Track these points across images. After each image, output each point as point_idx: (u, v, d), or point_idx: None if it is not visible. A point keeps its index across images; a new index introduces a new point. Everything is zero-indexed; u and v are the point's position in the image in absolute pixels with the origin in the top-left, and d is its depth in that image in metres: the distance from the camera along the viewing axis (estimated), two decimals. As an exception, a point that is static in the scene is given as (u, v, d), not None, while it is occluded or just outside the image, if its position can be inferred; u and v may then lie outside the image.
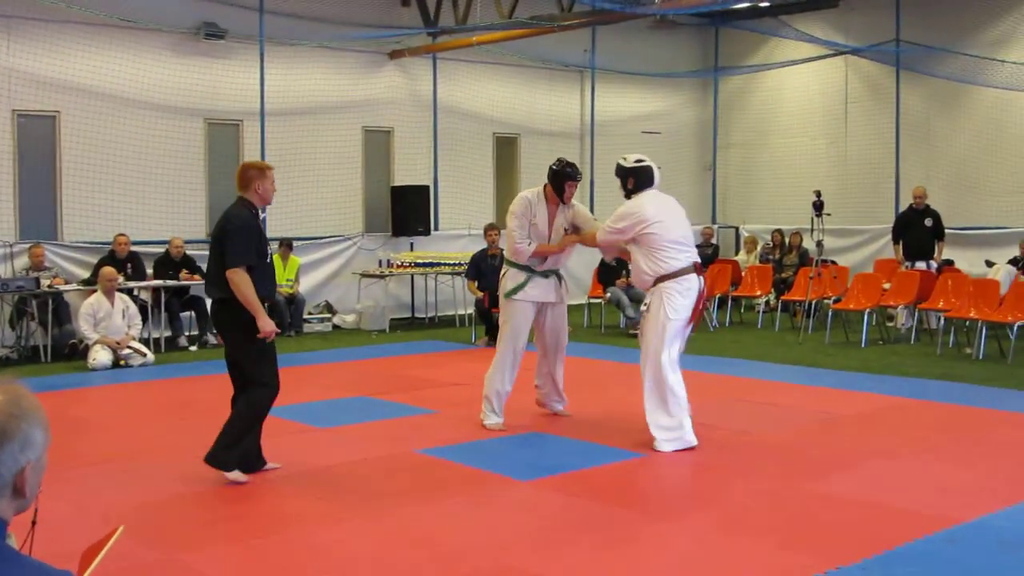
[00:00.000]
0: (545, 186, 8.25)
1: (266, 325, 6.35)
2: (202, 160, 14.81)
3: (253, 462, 6.66)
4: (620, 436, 7.65)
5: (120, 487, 6.50)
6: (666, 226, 7.41)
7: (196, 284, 13.23)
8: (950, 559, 4.94)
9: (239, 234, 6.38)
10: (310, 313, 14.88)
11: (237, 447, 6.48)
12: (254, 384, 6.50)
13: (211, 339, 13.17)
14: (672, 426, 7.23)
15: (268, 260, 6.62)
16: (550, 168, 8.22)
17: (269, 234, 14.53)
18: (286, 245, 14.33)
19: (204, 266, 13.33)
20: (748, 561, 4.94)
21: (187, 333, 13.36)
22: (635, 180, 7.63)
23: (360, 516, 5.84)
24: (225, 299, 6.42)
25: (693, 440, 7.21)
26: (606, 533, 5.42)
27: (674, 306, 7.26)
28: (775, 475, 6.53)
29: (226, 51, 14.69)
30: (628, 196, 7.66)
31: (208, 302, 7.13)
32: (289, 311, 14.23)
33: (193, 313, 13.48)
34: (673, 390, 7.22)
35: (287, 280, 14.30)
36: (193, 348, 12.99)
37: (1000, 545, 5.14)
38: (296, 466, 6.87)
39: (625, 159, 7.78)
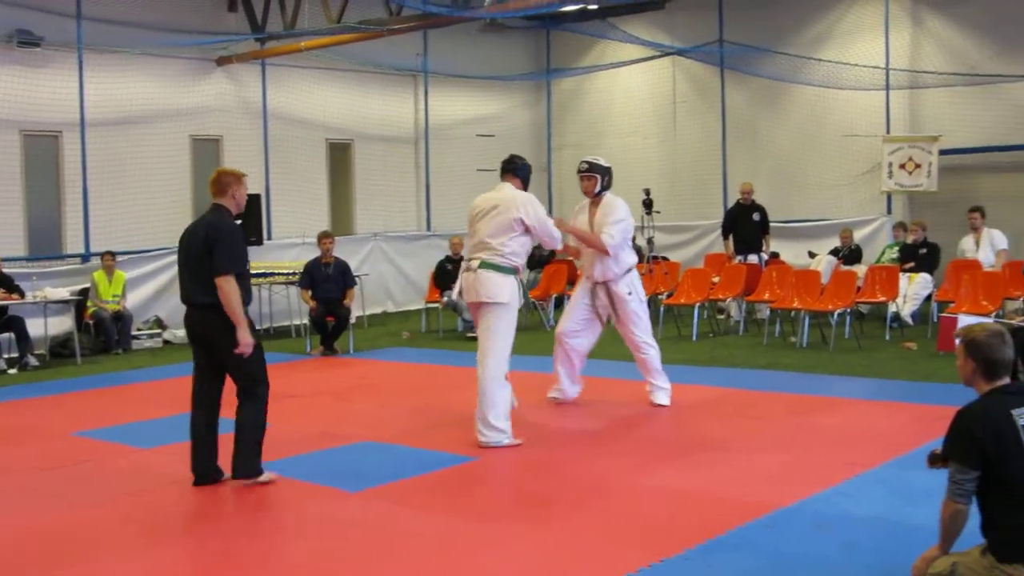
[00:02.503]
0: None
1: (245, 337, 6.41)
2: (19, 173, 14.21)
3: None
4: (452, 441, 7.64)
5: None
6: None
7: (15, 304, 12.69)
8: (768, 544, 5.08)
9: (231, 241, 6.46)
10: (139, 329, 14.40)
11: (259, 450, 6.58)
12: (256, 383, 6.61)
13: (32, 360, 12.61)
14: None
15: (248, 269, 6.74)
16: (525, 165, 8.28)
17: (91, 249, 14.22)
18: (111, 258, 13.84)
19: (23, 285, 12.95)
20: (574, 558, 4.99)
21: (6, 355, 12.75)
22: (609, 179, 8.60)
23: (188, 537, 5.69)
24: (213, 304, 6.41)
25: None
26: (431, 541, 5.39)
27: (640, 288, 8.71)
28: (600, 470, 6.62)
29: (43, 59, 14.13)
30: (599, 193, 8.59)
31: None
32: (116, 328, 13.75)
33: (12, 334, 12.87)
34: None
35: (113, 296, 13.82)
36: (13, 371, 12.40)
37: (815, 528, 5.31)
38: (117, 490, 6.63)
39: (597, 159, 8.71)
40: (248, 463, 6.55)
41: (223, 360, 6.58)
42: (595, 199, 8.73)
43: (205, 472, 6.66)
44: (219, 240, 6.42)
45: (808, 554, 4.96)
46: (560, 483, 6.42)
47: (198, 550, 5.44)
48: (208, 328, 6.56)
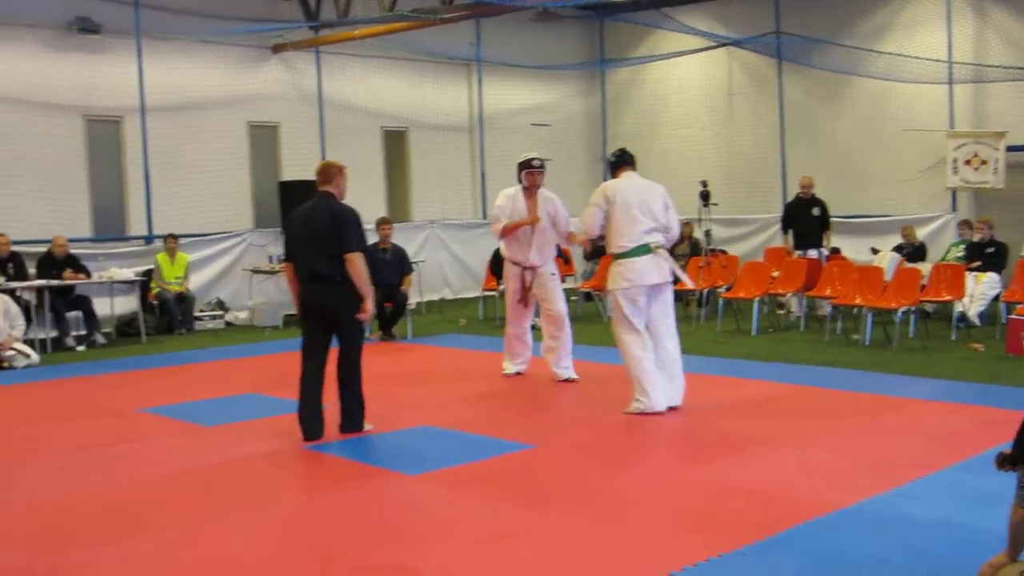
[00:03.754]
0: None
1: (371, 306, 7.36)
2: (83, 157, 14.44)
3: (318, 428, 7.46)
4: (510, 428, 7.68)
5: (4, 490, 6.34)
6: None
7: (82, 283, 12.94)
8: (827, 544, 5.03)
9: (354, 222, 7.35)
10: (201, 311, 14.62)
11: (363, 407, 7.55)
12: (358, 351, 7.47)
13: (99, 339, 12.88)
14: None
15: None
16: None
17: (154, 231, 14.44)
18: (173, 241, 14.04)
19: (89, 265, 13.18)
20: (627, 551, 4.98)
21: (75, 333, 13.01)
22: None
23: (242, 513, 5.76)
24: (337, 279, 7.23)
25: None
26: (487, 527, 5.42)
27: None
28: (657, 464, 6.62)
29: (102, 46, 14.35)
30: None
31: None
32: (179, 308, 13.96)
33: (81, 313, 13.14)
34: None
35: (176, 278, 14.04)
36: (81, 348, 12.68)
37: (877, 528, 5.24)
38: (179, 465, 6.76)
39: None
40: (357, 420, 7.50)
41: (338, 329, 7.38)
42: (532, 192, 9.60)
43: (316, 434, 7.38)
44: (347, 222, 7.28)
45: (868, 556, 4.88)
46: (616, 474, 6.41)
47: (254, 527, 5.50)
48: (330, 299, 7.30)
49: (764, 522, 5.32)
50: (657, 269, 8.01)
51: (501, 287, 14.16)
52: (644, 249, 8.00)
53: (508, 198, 9.63)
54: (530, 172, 9.53)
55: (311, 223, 7.37)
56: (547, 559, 4.90)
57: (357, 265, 7.23)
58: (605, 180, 19.65)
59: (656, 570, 4.64)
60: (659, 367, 8.02)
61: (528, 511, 5.71)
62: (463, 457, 6.93)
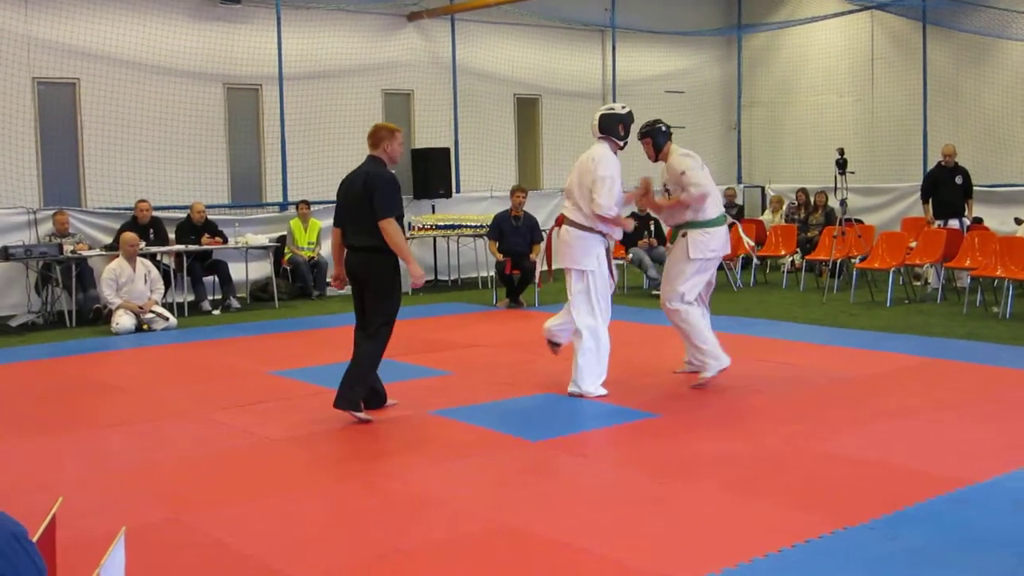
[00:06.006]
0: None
1: (417, 270, 6.98)
2: (222, 125, 14.83)
3: (378, 399, 7.26)
4: (636, 397, 7.64)
5: (136, 448, 6.59)
6: None
7: (219, 248, 13.33)
8: (959, 520, 4.87)
9: (390, 188, 6.91)
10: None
11: (364, 387, 7.05)
12: (387, 324, 7.06)
13: (234, 303, 13.25)
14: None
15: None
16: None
17: (288, 198, 14.76)
18: (306, 207, 14.34)
19: (226, 231, 13.57)
20: (752, 521, 4.91)
21: (210, 297, 13.43)
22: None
23: (368, 475, 5.87)
24: (372, 247, 6.87)
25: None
26: (610, 494, 5.41)
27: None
28: (785, 435, 6.48)
29: (243, 15, 14.68)
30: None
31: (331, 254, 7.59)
32: (312, 274, 14.27)
33: (216, 277, 13.55)
34: None
35: (308, 243, 14.34)
36: (216, 312, 13.06)
37: (1013, 505, 5.06)
38: (308, 427, 6.92)
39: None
40: (353, 394, 6.96)
41: (366, 299, 7.03)
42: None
43: (372, 403, 7.18)
44: (378, 187, 6.85)
45: (1003, 532, 4.71)
46: (741, 445, 6.32)
47: (380, 488, 5.59)
48: (365, 269, 6.98)
49: (894, 495, 5.20)
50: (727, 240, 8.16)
51: (629, 255, 14.12)
52: (723, 219, 8.06)
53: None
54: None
55: (348, 192, 7.07)
56: (670, 528, 4.87)
57: (390, 233, 6.81)
58: (739, 148, 19.60)
59: (781, 541, 4.57)
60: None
61: (651, 479, 5.68)
62: (586, 424, 6.94)
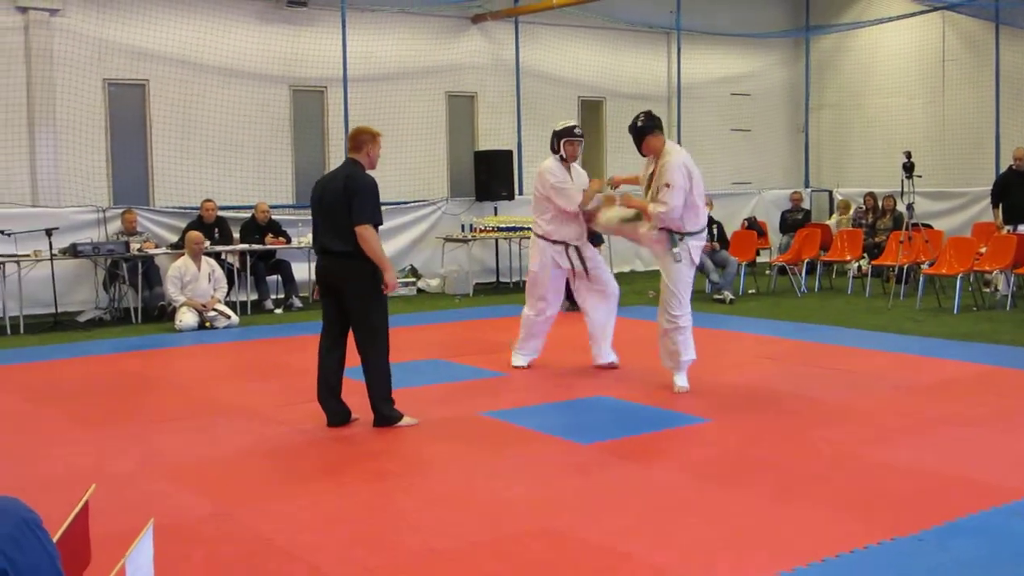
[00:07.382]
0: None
1: (392, 279, 6.81)
2: (288, 126, 15.00)
3: (343, 416, 7.04)
4: (688, 401, 7.58)
5: (191, 443, 6.68)
6: None
7: (282, 248, 13.48)
8: (1013, 533, 4.75)
9: (368, 193, 6.74)
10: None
11: (390, 395, 6.93)
12: (376, 334, 6.88)
13: (296, 302, 13.37)
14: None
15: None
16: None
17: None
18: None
19: (289, 231, 13.71)
20: (798, 530, 4.83)
21: (273, 296, 13.57)
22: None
23: (413, 475, 5.88)
24: (348, 252, 6.69)
25: None
26: (656, 498, 5.36)
27: None
28: (839, 442, 6.37)
29: (309, 18, 14.85)
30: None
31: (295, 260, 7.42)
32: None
33: (279, 277, 13.70)
34: None
35: (370, 244, 14.43)
36: (278, 311, 13.20)
37: (1070, 519, 4.93)
38: (358, 426, 6.96)
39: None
40: (387, 410, 6.90)
41: (349, 308, 6.86)
42: (569, 164, 8.98)
43: (335, 415, 6.99)
44: (358, 192, 6.68)
45: (1059, 547, 4.61)
46: (790, 451, 6.23)
47: (422, 487, 5.60)
48: (340, 276, 6.82)
49: (946, 506, 5.08)
50: None
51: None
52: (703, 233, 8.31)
53: (561, 170, 8.90)
54: (570, 142, 8.80)
55: (324, 195, 6.87)
56: (715, 534, 4.81)
57: (367, 239, 6.61)
58: (806, 152, 19.36)
59: (827, 550, 4.49)
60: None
61: (701, 484, 5.62)
62: (638, 428, 6.89)
